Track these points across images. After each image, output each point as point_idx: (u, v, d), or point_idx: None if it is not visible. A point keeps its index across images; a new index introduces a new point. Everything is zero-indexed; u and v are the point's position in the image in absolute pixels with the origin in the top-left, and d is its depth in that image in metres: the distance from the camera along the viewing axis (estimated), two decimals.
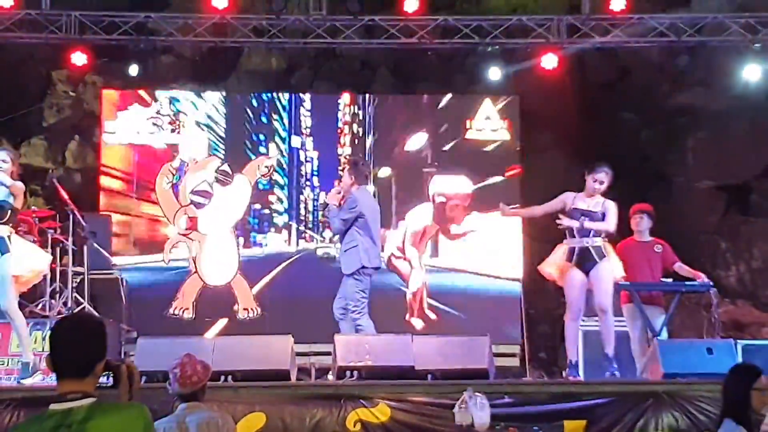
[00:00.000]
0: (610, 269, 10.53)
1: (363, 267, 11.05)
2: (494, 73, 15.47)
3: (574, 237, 10.47)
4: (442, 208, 15.91)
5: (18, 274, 10.04)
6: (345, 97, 16.61)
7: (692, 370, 9.80)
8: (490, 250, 15.68)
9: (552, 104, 15.88)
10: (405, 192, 16.06)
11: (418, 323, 15.46)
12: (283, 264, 16.01)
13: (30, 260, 10.27)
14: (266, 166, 16.12)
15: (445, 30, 15.30)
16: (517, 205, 12.98)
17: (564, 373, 10.65)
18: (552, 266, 10.75)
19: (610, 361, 10.41)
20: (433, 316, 15.57)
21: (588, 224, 10.40)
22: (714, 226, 17.05)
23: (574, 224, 10.43)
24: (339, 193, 11.34)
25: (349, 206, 11.05)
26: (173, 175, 15.65)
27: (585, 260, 10.43)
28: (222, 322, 15.20)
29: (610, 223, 10.51)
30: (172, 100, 15.98)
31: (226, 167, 15.87)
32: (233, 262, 15.64)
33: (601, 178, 10.52)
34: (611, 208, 10.51)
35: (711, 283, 11.35)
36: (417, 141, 16.09)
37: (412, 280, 15.74)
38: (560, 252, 10.62)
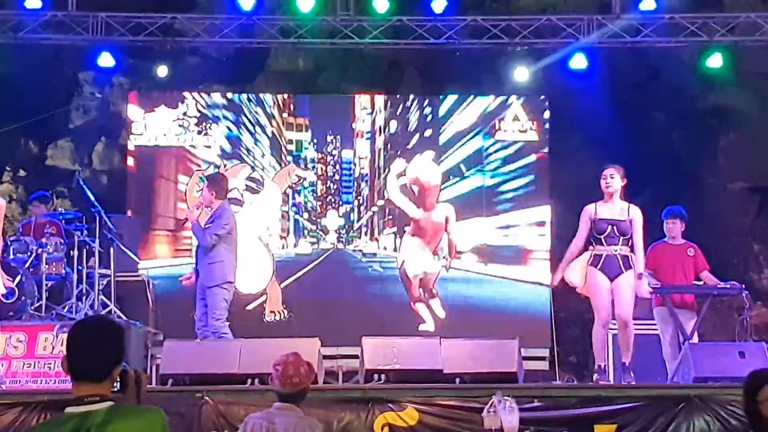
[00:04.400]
0: (633, 281, 10.36)
1: (229, 281, 11.27)
2: (523, 74, 15.38)
3: (601, 244, 10.32)
4: (415, 198, 15.80)
5: None
6: (364, 99, 16.55)
7: (724, 373, 9.67)
8: (518, 253, 15.59)
9: (581, 105, 15.78)
10: None
11: (430, 326, 15.33)
12: (308, 267, 15.94)
13: None
14: (297, 175, 16.05)
15: (473, 30, 15.21)
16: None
17: (595, 377, 10.53)
18: (576, 273, 10.56)
19: (627, 370, 10.29)
20: (442, 314, 15.45)
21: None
22: (746, 228, 16.91)
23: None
24: (198, 208, 11.58)
25: (224, 222, 11.24)
26: None
27: (611, 268, 10.27)
28: None
29: (640, 242, 10.42)
30: (199, 102, 15.93)
31: (256, 175, 15.80)
32: (266, 270, 15.48)
33: (609, 173, 10.36)
34: (638, 219, 10.35)
35: (743, 286, 11.24)
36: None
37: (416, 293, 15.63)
38: (584, 258, 10.47)
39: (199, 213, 11.45)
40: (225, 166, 15.71)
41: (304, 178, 16.14)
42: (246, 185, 15.71)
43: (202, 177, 15.49)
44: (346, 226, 16.25)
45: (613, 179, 10.35)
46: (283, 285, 15.61)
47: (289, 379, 6.65)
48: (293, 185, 16.05)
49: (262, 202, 15.77)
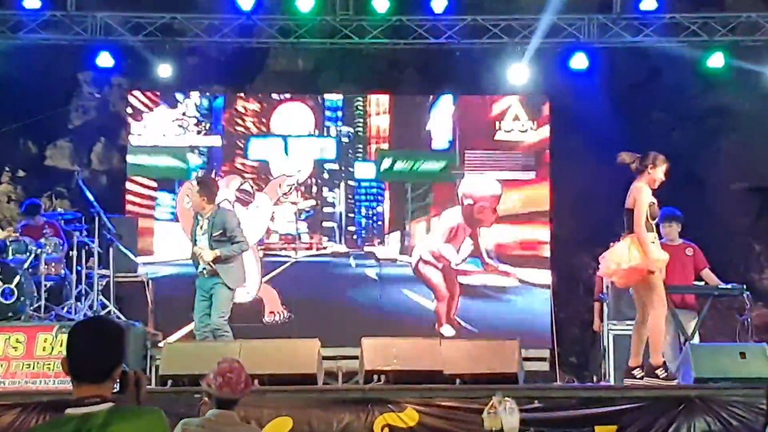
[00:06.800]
0: None
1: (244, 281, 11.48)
2: (523, 73, 15.35)
3: (653, 231, 9.74)
4: (469, 210, 15.73)
5: None
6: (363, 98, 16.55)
7: (725, 374, 9.65)
8: (519, 255, 15.57)
9: (582, 104, 15.74)
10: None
11: (448, 330, 15.29)
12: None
13: None
14: (288, 185, 16.00)
15: (473, 30, 15.18)
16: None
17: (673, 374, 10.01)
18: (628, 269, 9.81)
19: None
20: (463, 323, 15.43)
21: None
22: (747, 228, 16.89)
23: None
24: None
25: (241, 227, 11.27)
26: None
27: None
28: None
29: None
30: (198, 102, 15.91)
31: (246, 186, 15.75)
32: (254, 282, 15.38)
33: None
34: None
35: (744, 286, 11.21)
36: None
37: (442, 287, 15.57)
38: (624, 248, 9.70)
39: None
40: (215, 174, 15.63)
41: (294, 185, 16.05)
42: (236, 196, 15.63)
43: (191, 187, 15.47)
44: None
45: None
46: (267, 277, 15.59)
47: (238, 384, 6.46)
48: (284, 195, 15.98)
49: (253, 213, 15.68)
